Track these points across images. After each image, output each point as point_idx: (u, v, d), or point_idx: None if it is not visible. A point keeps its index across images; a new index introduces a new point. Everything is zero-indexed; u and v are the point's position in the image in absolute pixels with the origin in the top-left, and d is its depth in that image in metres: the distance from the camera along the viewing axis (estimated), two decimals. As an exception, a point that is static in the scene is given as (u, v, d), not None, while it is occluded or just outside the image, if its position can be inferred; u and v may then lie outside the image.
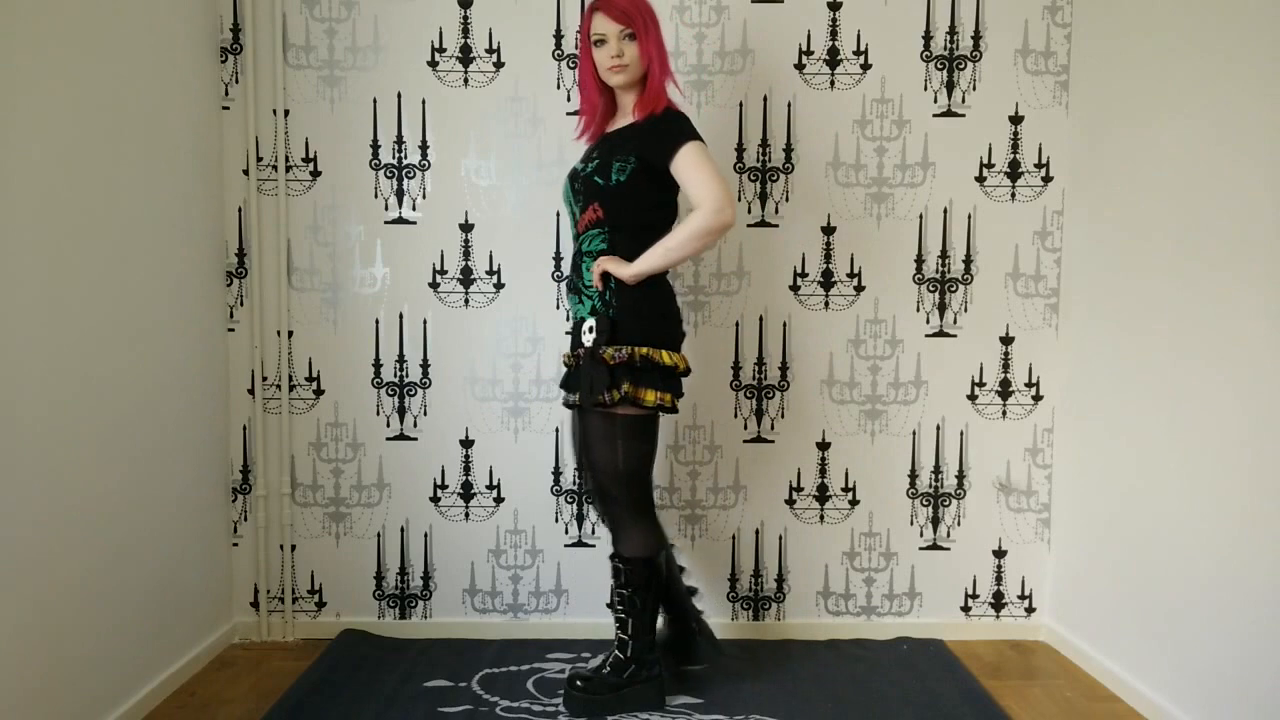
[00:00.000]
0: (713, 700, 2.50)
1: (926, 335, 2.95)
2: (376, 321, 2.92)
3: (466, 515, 2.98)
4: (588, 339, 2.26)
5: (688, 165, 2.20)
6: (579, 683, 2.44)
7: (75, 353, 2.15)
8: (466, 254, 2.91)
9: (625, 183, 2.26)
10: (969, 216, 2.93)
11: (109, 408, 2.28)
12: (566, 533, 2.98)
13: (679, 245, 2.21)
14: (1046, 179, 2.92)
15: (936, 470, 2.99)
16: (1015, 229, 2.93)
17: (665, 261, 2.24)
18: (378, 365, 2.93)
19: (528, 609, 3.00)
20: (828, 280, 2.93)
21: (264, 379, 2.91)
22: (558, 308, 2.92)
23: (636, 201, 2.29)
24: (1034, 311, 2.95)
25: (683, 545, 2.98)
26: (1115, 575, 2.63)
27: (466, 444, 2.96)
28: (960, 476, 2.99)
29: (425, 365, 2.93)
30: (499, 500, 2.97)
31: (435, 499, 2.97)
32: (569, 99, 2.87)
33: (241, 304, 2.90)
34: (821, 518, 2.99)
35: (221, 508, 2.91)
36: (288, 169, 2.87)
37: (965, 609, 3.02)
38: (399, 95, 2.87)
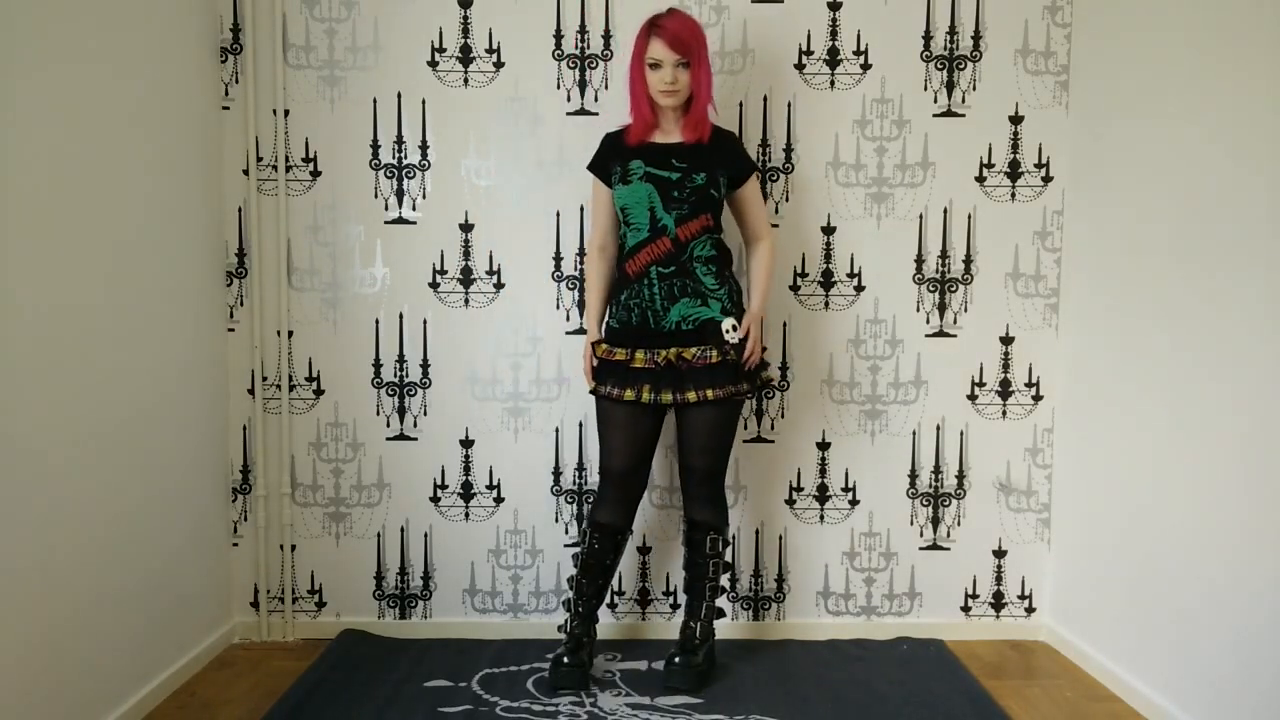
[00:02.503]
0: (713, 700, 2.50)
1: (926, 335, 2.95)
2: (376, 321, 2.92)
3: (466, 515, 2.98)
4: (733, 336, 2.50)
5: (756, 193, 2.64)
6: (678, 659, 2.57)
7: (75, 353, 2.15)
8: (466, 254, 2.91)
9: (724, 194, 2.57)
10: (969, 216, 2.93)
11: (109, 408, 2.28)
12: (566, 532, 2.98)
13: (770, 277, 2.65)
14: (1046, 179, 2.92)
15: (936, 470, 2.99)
16: (1015, 229, 2.93)
17: (769, 293, 2.68)
18: (378, 365, 2.93)
19: (528, 609, 3.00)
20: (828, 280, 2.93)
21: (264, 379, 2.91)
22: (557, 308, 2.91)
23: (723, 209, 2.61)
24: (1034, 311, 2.95)
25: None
26: (1115, 575, 2.63)
27: (466, 444, 2.96)
28: (960, 476, 2.99)
29: (425, 365, 2.93)
30: (499, 500, 2.97)
31: (435, 499, 2.97)
32: (569, 99, 2.87)
33: (241, 304, 2.90)
34: (821, 518, 2.99)
35: (221, 508, 2.91)
36: (288, 169, 2.87)
37: (965, 609, 3.02)
38: (399, 95, 2.87)
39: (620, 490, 2.62)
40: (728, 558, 2.71)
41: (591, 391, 2.61)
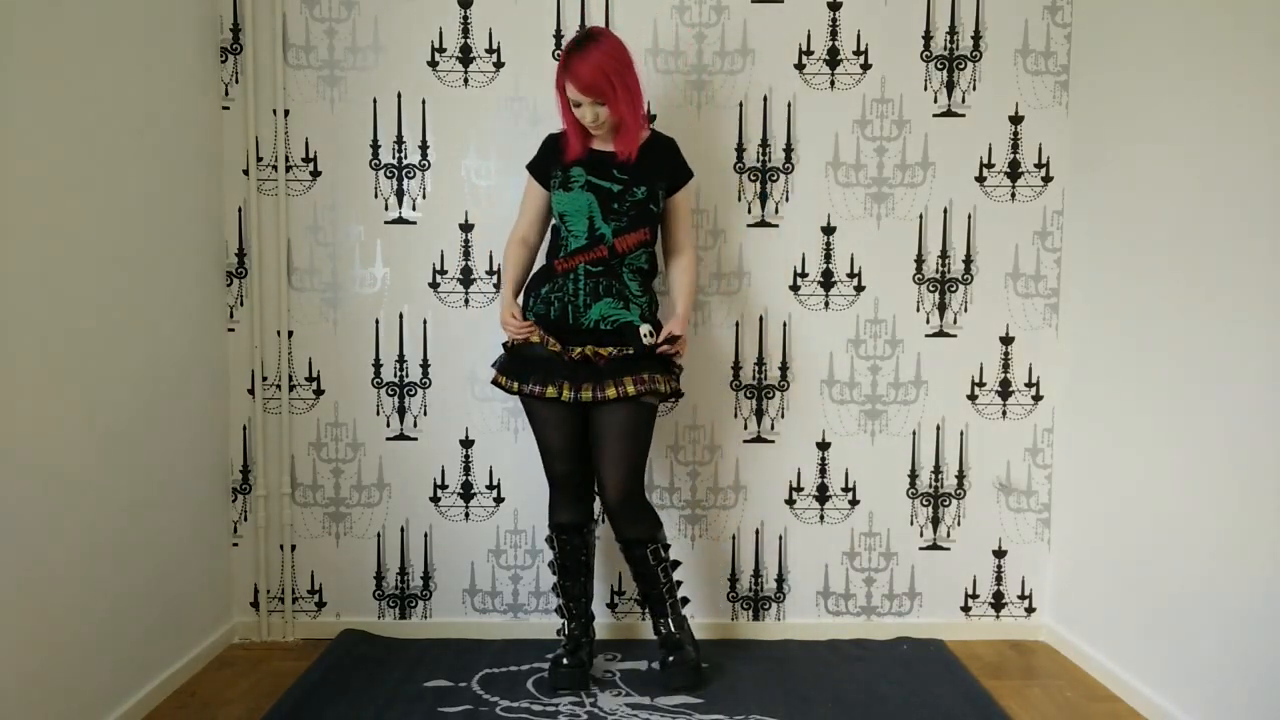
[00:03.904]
0: (713, 700, 2.50)
1: (926, 335, 2.95)
2: (376, 321, 2.92)
3: (466, 515, 2.98)
4: (650, 340, 2.48)
5: (687, 204, 2.64)
6: (671, 657, 2.56)
7: (75, 353, 2.15)
8: (466, 254, 2.91)
9: (662, 208, 2.56)
10: (969, 216, 2.93)
11: (109, 408, 2.28)
12: (566, 533, 2.97)
13: (694, 286, 2.65)
14: (1046, 179, 2.92)
15: (936, 470, 2.99)
16: (1015, 229, 2.93)
17: (693, 301, 2.67)
18: (378, 365, 2.93)
19: (528, 609, 3.00)
20: (828, 280, 2.93)
21: (264, 379, 2.91)
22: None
23: (659, 223, 2.61)
24: (1034, 311, 2.95)
25: (683, 545, 2.97)
26: (1115, 575, 2.63)
27: (466, 444, 2.96)
28: (960, 476, 2.99)
29: (425, 365, 2.93)
30: (499, 500, 2.97)
31: (435, 499, 2.97)
32: (569, 99, 2.87)
33: (241, 304, 2.90)
34: (821, 518, 2.99)
35: (221, 508, 2.91)
36: (288, 169, 2.87)
37: (965, 609, 3.02)
38: (399, 95, 2.87)
39: (570, 491, 2.61)
40: (669, 557, 2.63)
41: (494, 382, 2.56)
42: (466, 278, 2.91)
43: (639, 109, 2.47)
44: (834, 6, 2.86)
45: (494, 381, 2.57)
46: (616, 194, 2.48)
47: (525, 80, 2.86)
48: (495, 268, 2.91)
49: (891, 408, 2.97)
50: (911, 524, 3.00)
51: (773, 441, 2.98)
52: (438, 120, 2.88)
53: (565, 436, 2.54)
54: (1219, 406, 2.21)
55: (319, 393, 2.94)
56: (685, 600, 2.72)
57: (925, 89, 2.89)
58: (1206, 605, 2.25)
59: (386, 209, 2.90)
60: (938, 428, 2.98)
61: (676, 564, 2.67)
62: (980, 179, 2.92)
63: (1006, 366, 2.96)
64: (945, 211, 2.93)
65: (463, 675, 2.65)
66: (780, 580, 3.01)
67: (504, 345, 2.57)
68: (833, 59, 2.88)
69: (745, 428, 2.97)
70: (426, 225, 2.90)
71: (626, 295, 2.50)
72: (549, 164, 2.57)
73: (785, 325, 2.94)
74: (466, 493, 2.97)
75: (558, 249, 2.56)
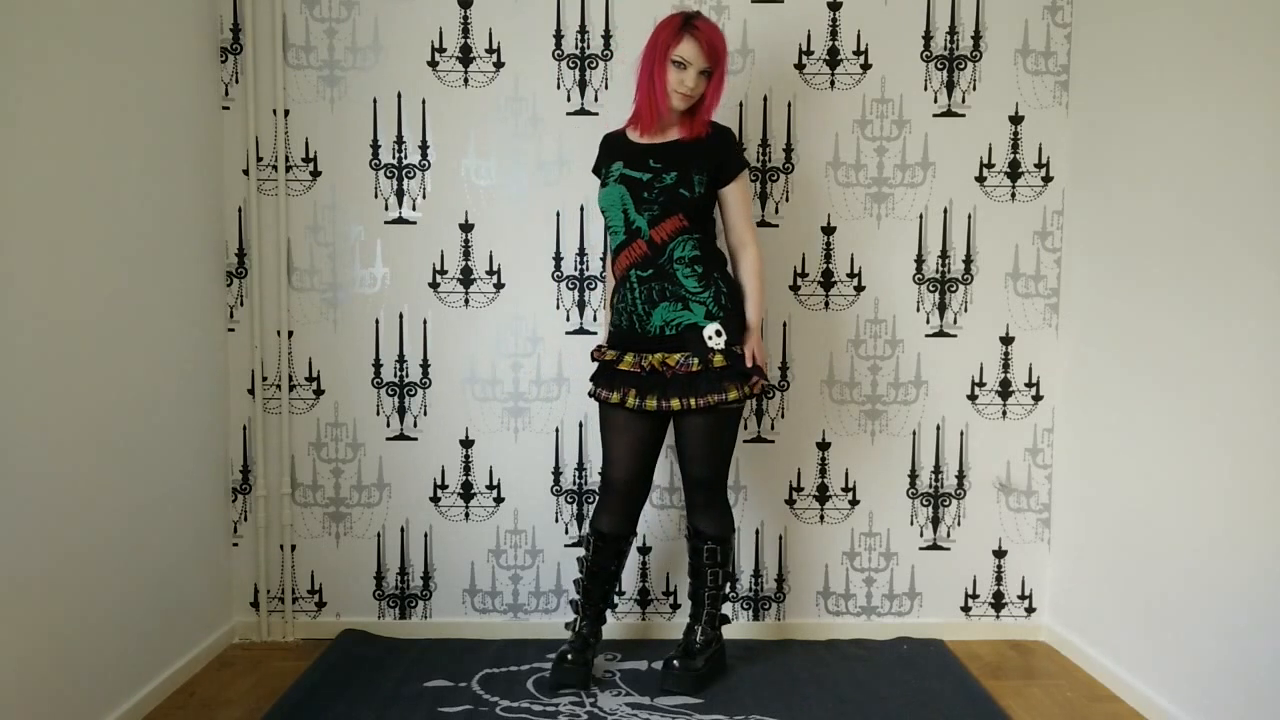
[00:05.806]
0: (713, 700, 2.50)
1: (926, 335, 2.95)
2: (376, 321, 2.92)
3: (466, 515, 2.98)
4: (717, 342, 2.42)
5: (740, 196, 2.53)
6: (676, 662, 2.56)
7: (75, 353, 2.15)
8: (466, 254, 2.91)
9: (703, 194, 2.47)
10: (969, 216, 2.93)
11: (109, 408, 2.28)
12: (566, 533, 2.98)
13: (761, 288, 2.54)
14: (1046, 179, 2.92)
15: (936, 470, 2.99)
16: (1015, 229, 2.93)
17: (763, 304, 2.58)
18: (378, 365, 2.93)
19: (528, 609, 3.00)
20: (828, 280, 2.93)
21: (264, 379, 2.91)
22: (557, 307, 2.92)
23: (709, 209, 2.52)
24: (1034, 311, 2.95)
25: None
26: (1115, 575, 2.63)
27: (466, 444, 2.96)
28: (960, 476, 2.99)
29: (425, 365, 2.93)
30: (499, 500, 2.97)
31: (435, 499, 2.97)
32: (569, 99, 2.87)
33: (241, 304, 2.90)
34: (821, 518, 2.99)
35: (221, 508, 2.91)
36: (288, 169, 2.87)
37: (965, 609, 3.02)
38: (399, 95, 2.87)
39: (621, 498, 2.58)
40: (730, 567, 2.65)
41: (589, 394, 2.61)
42: (466, 278, 2.91)
43: (719, 100, 2.47)
44: (834, 6, 2.86)
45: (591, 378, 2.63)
46: (646, 182, 2.44)
47: (525, 80, 2.86)
48: (495, 267, 2.91)
49: (891, 408, 2.97)
50: (911, 524, 3.00)
51: (773, 441, 2.98)
52: (438, 120, 2.88)
53: (627, 443, 2.53)
54: (1219, 406, 2.21)
55: (319, 393, 2.94)
56: (725, 619, 2.69)
57: (925, 89, 2.89)
58: (1206, 605, 2.25)
59: (386, 209, 2.90)
60: (938, 428, 2.98)
61: (731, 576, 2.67)
62: (980, 179, 2.92)
63: (1006, 366, 2.96)
64: (945, 211, 2.93)
65: (463, 675, 2.65)
66: (780, 580, 3.01)
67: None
68: (833, 59, 2.88)
69: (745, 428, 2.97)
70: (426, 225, 2.90)
71: (683, 295, 2.44)
72: (601, 163, 2.59)
73: (785, 325, 2.94)
74: (466, 493, 2.97)
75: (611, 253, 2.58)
